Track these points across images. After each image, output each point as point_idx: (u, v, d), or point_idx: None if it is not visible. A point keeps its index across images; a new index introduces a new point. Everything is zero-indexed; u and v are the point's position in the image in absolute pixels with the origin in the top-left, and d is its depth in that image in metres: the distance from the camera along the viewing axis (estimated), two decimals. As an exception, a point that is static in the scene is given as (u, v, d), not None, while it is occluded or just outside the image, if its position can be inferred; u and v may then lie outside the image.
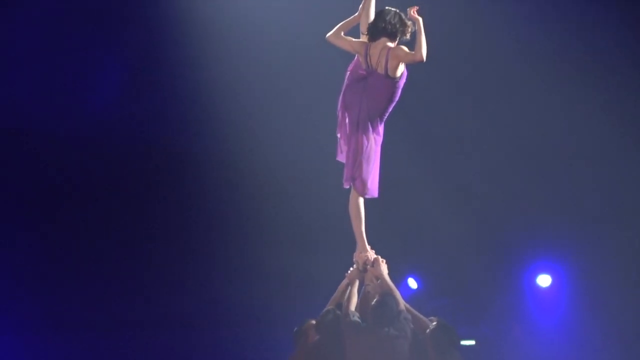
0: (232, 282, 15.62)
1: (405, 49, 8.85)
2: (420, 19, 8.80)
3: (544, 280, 15.67)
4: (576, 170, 15.26)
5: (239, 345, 15.38)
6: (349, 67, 9.15)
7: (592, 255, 15.29)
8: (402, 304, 8.85)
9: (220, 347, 15.48)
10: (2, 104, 15.15)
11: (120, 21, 14.96)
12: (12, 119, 15.29)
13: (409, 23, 8.91)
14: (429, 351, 8.66)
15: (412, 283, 15.58)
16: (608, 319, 15.03)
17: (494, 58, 14.98)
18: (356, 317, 8.81)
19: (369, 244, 9.17)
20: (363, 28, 9.13)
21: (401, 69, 8.93)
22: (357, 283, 9.13)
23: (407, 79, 9.01)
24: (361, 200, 9.15)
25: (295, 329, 9.11)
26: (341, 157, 9.25)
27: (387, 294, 8.88)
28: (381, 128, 9.15)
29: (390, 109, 9.07)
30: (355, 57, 9.10)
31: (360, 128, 9.05)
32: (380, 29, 8.94)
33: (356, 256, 9.19)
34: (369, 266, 9.11)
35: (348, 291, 9.06)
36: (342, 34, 9.10)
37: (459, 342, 8.91)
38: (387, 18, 8.94)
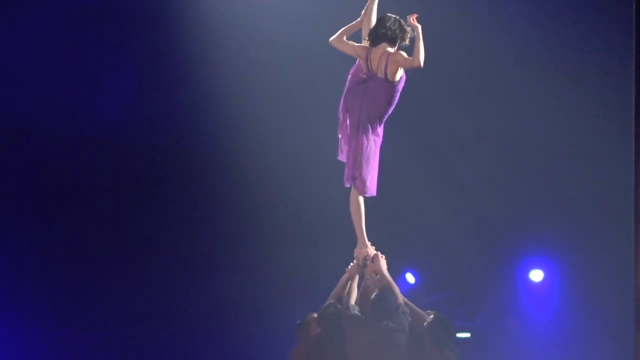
0: (236, 277, 15.56)
1: (404, 54, 8.87)
2: (419, 26, 8.82)
3: (536, 276, 15.66)
4: (568, 170, 15.25)
5: (243, 339, 15.33)
6: (350, 70, 9.15)
7: (582, 251, 15.30)
8: (401, 298, 8.88)
9: (224, 341, 15.41)
10: (11, 105, 15.12)
11: (128, 24, 14.92)
12: (23, 120, 15.25)
13: (409, 29, 8.92)
14: (426, 343, 8.68)
15: (410, 278, 15.57)
16: (597, 312, 15.03)
17: (489, 61, 14.98)
18: (356, 311, 8.84)
19: (368, 240, 9.18)
20: (365, 33, 9.14)
21: (400, 73, 8.94)
22: (357, 278, 9.15)
23: (405, 83, 9.03)
24: (361, 199, 9.15)
25: (298, 322, 9.16)
26: (342, 157, 9.25)
27: (386, 289, 8.90)
28: (380, 129, 9.15)
29: (389, 112, 9.08)
30: (357, 61, 9.11)
31: (360, 129, 9.06)
32: (380, 34, 8.96)
33: (356, 252, 9.20)
34: (368, 262, 9.12)
35: (348, 286, 9.09)
36: (345, 38, 9.11)
37: (455, 335, 8.93)
38: (388, 24, 8.96)
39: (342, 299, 9.00)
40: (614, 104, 13.56)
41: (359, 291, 9.11)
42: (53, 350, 15.15)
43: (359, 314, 8.82)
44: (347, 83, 9.16)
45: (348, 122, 9.13)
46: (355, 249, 9.22)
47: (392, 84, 8.96)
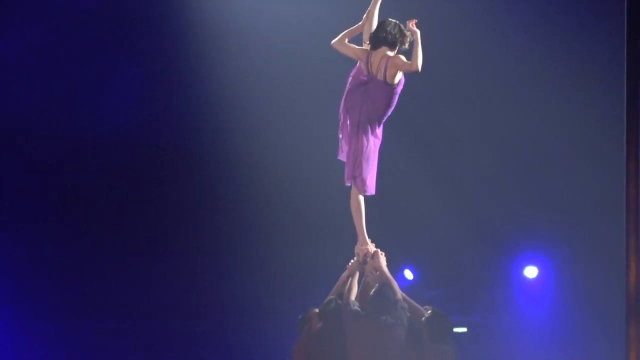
0: (241, 274, 15.53)
1: (403, 58, 8.89)
2: (418, 32, 8.84)
3: (530, 272, 15.66)
4: (562, 170, 15.27)
5: (247, 333, 15.31)
6: (351, 72, 9.17)
7: (575, 248, 15.30)
8: (399, 293, 8.89)
9: (229, 335, 15.39)
10: (16, 106, 15.11)
11: (132, 26, 14.89)
12: (31, 120, 15.24)
13: (408, 34, 8.94)
14: (424, 338, 8.70)
15: (408, 274, 15.55)
16: (590, 307, 15.03)
17: (485, 63, 14.98)
18: (356, 306, 8.86)
19: (368, 237, 9.20)
20: (366, 37, 9.15)
21: (399, 76, 8.97)
22: (357, 274, 9.16)
23: (404, 86, 9.06)
24: (361, 197, 9.18)
25: (300, 316, 9.15)
26: (342, 156, 9.26)
27: (385, 285, 8.92)
28: (380, 130, 9.17)
29: (388, 113, 9.10)
30: (357, 64, 9.12)
31: (360, 130, 9.07)
32: (381, 38, 8.98)
33: (357, 249, 9.22)
34: (368, 258, 9.14)
35: (349, 282, 9.10)
36: (346, 41, 9.13)
37: (452, 330, 8.96)
38: (388, 29, 8.98)
39: (343, 295, 9.01)
40: (605, 105, 13.57)
41: (359, 287, 9.12)
42: (61, 344, 15.14)
43: (359, 309, 8.83)
44: (348, 85, 9.18)
45: (348, 122, 9.14)
46: (356, 246, 9.24)
47: (392, 87, 8.99)
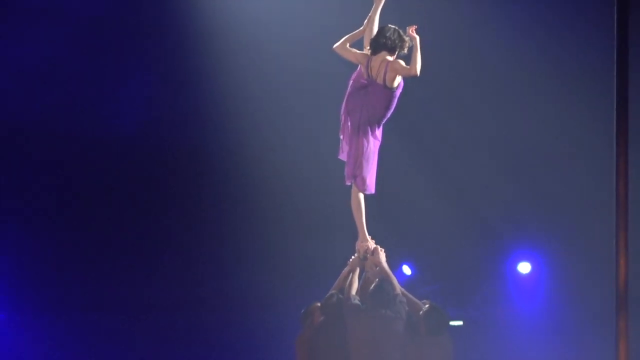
0: (247, 270, 15.53)
1: (402, 63, 8.91)
2: (417, 38, 8.87)
3: (524, 268, 15.66)
4: (554, 168, 15.27)
5: (252, 327, 15.30)
6: (352, 76, 9.20)
7: (567, 245, 15.29)
8: (398, 288, 8.93)
9: (233, 328, 15.37)
10: (24, 107, 15.11)
11: (139, 29, 14.88)
12: (41, 122, 15.25)
13: (407, 39, 8.96)
14: (422, 331, 8.74)
15: (407, 270, 15.54)
16: (581, 302, 15.02)
17: (480, 66, 14.98)
18: (357, 300, 8.89)
19: (369, 234, 9.24)
20: (366, 42, 9.18)
21: (398, 80, 8.99)
22: (358, 270, 9.19)
23: (402, 88, 9.09)
24: (362, 196, 9.20)
25: (303, 310, 9.19)
26: (343, 156, 9.28)
27: (384, 280, 8.95)
28: (379, 132, 9.19)
29: (388, 115, 9.12)
30: (358, 68, 9.16)
31: (360, 131, 9.09)
32: (381, 43, 9.01)
33: (357, 245, 9.25)
34: (369, 255, 9.17)
35: (350, 277, 9.13)
36: (348, 46, 9.15)
37: (449, 323, 8.98)
38: (388, 34, 9.00)
39: (344, 289, 9.03)
40: (596, 105, 13.55)
41: (359, 282, 9.15)
42: (68, 338, 15.14)
43: (359, 303, 8.86)
44: (349, 88, 9.20)
45: (349, 124, 9.16)
46: (357, 243, 9.26)
47: (391, 90, 9.01)
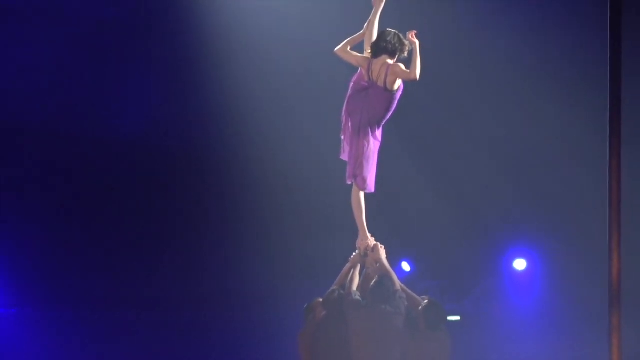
0: (252, 267, 15.53)
1: (403, 67, 8.92)
2: (417, 42, 8.89)
3: (519, 264, 15.66)
4: (549, 167, 15.27)
5: (256, 321, 15.30)
6: (352, 78, 9.20)
7: (561, 242, 15.30)
8: (398, 284, 8.92)
9: (238, 323, 15.35)
10: (33, 109, 15.11)
11: (143, 32, 14.87)
12: (51, 123, 15.25)
13: (407, 43, 8.97)
14: (421, 325, 8.74)
15: (406, 266, 15.53)
16: (575, 298, 15.02)
17: (476, 68, 14.99)
18: (357, 296, 8.89)
19: (369, 232, 9.25)
20: (366, 45, 9.18)
21: (398, 83, 9.01)
22: (358, 266, 9.20)
23: (402, 91, 9.10)
24: (362, 195, 9.21)
25: (305, 306, 9.17)
26: (344, 156, 9.29)
27: (384, 276, 8.95)
28: (379, 132, 9.19)
29: (387, 117, 9.14)
30: (359, 70, 9.17)
31: (361, 132, 9.10)
32: (381, 47, 9.01)
33: (358, 243, 9.26)
34: (369, 252, 9.17)
35: (351, 273, 9.14)
36: (349, 49, 9.15)
37: (447, 318, 8.99)
38: (388, 38, 9.01)
39: (345, 285, 9.04)
40: (590, 106, 13.56)
41: (360, 278, 9.15)
42: (75, 332, 15.14)
43: (360, 299, 8.86)
44: (350, 90, 9.21)
45: (350, 125, 9.17)
46: (357, 240, 9.27)
47: (391, 93, 9.03)
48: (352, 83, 9.20)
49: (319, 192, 14.92)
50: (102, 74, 15.05)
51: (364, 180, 9.14)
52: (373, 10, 9.29)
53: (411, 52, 8.90)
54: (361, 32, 9.26)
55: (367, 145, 9.11)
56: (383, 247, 9.23)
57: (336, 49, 9.19)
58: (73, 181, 15.52)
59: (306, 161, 15.07)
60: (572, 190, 14.97)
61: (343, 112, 9.26)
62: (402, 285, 9.00)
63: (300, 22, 14.41)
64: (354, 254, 9.31)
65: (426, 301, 8.82)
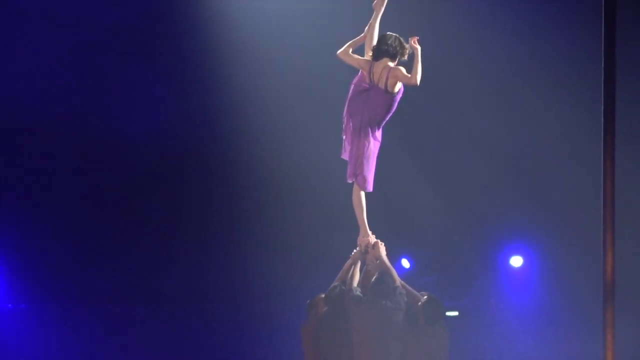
0: (254, 262, 15.57)
1: (404, 70, 8.93)
2: (419, 48, 8.90)
3: (516, 261, 15.66)
4: (545, 168, 15.26)
5: (259, 316, 15.33)
6: (354, 80, 9.22)
7: (557, 239, 15.29)
8: (398, 280, 8.95)
9: (241, 318, 15.40)
10: (43, 110, 15.12)
11: (151, 35, 14.88)
12: (62, 125, 15.26)
13: (407, 47, 8.98)
14: (420, 321, 8.76)
15: (405, 263, 15.55)
16: (570, 294, 15.02)
17: (474, 71, 14.98)
18: (358, 292, 8.91)
19: (369, 229, 9.26)
20: (367, 48, 9.19)
21: (399, 85, 9.01)
22: (359, 263, 9.22)
23: (403, 92, 9.10)
24: (362, 193, 9.23)
25: (308, 301, 9.21)
26: (345, 156, 9.31)
27: (384, 272, 8.97)
28: (379, 133, 9.21)
29: (387, 118, 9.15)
30: (360, 72, 9.17)
31: (362, 132, 9.11)
32: (382, 50, 9.02)
33: (359, 240, 9.28)
34: (369, 248, 9.19)
35: (352, 270, 9.16)
36: (350, 52, 9.16)
37: (445, 313, 9.01)
38: (389, 42, 9.02)
39: (346, 281, 9.06)
40: (585, 106, 13.56)
41: (361, 275, 9.17)
42: (80, 326, 15.14)
43: (361, 294, 8.88)
44: (351, 92, 9.21)
45: (351, 125, 9.18)
46: (358, 238, 9.29)
47: (392, 95, 9.03)
48: (353, 85, 9.20)
49: (320, 191, 14.91)
50: (107, 75, 15.03)
51: (365, 180, 9.15)
52: (374, 14, 9.31)
53: (412, 57, 8.90)
54: (362, 35, 9.26)
55: (367, 145, 9.12)
56: (383, 244, 9.24)
57: (338, 52, 9.20)
58: (82, 180, 15.51)
59: (308, 161, 15.07)
60: (567, 190, 14.96)
61: (344, 113, 9.27)
62: (402, 282, 9.03)
63: (305, 24, 14.40)
64: (354, 250, 9.32)
65: (425, 297, 8.84)
